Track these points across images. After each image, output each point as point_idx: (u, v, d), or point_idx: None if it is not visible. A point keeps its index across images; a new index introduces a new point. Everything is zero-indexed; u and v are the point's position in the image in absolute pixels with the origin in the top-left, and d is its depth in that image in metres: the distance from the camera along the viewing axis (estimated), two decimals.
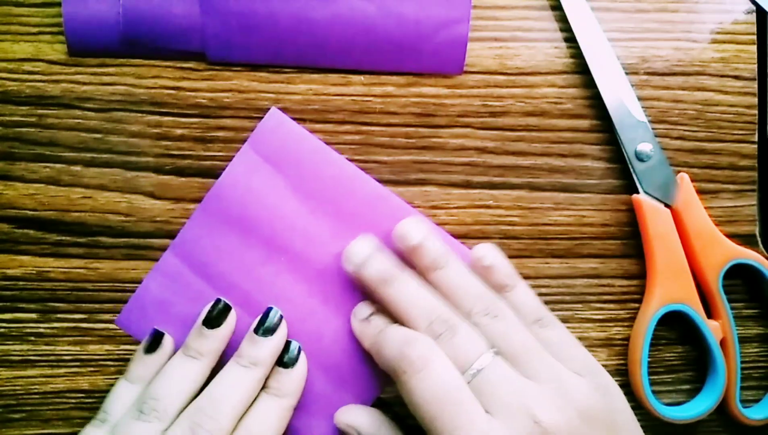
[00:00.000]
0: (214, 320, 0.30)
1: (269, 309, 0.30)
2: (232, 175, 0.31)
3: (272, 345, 0.29)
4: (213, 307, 0.30)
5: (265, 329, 0.30)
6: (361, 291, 0.31)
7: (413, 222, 0.30)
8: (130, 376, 0.29)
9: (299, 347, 0.30)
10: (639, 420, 0.34)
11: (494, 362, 0.26)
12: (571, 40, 0.32)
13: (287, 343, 0.30)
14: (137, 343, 0.31)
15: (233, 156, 0.32)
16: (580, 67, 0.33)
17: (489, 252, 0.30)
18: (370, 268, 0.29)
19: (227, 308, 0.30)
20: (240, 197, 0.31)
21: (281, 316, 0.30)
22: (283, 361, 0.30)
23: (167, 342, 0.30)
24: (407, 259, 0.30)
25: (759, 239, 0.34)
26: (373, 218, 0.31)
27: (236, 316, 0.30)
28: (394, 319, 0.29)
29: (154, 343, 0.30)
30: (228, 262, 0.31)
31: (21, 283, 0.32)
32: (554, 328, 0.29)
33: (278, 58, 0.31)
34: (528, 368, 0.27)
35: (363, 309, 0.30)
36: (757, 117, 0.34)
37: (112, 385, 0.31)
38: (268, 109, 0.32)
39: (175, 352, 0.30)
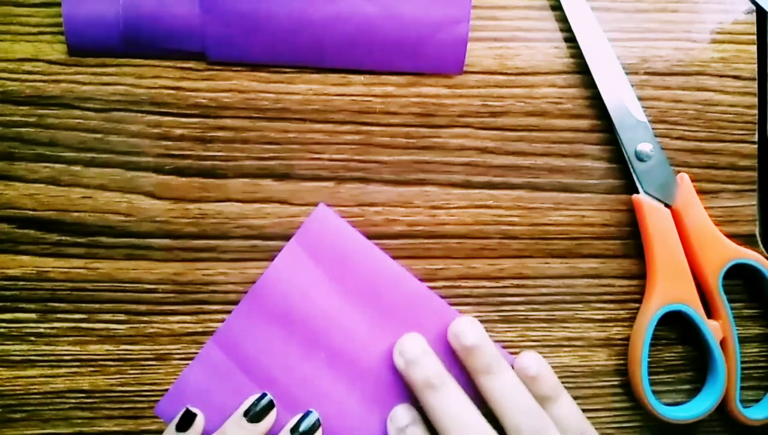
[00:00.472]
0: (256, 415, 0.30)
1: (308, 412, 0.31)
2: (277, 270, 0.31)
3: (262, 428, 0.30)
4: (258, 401, 0.30)
5: (301, 433, 0.30)
6: (398, 392, 0.31)
7: (469, 321, 0.31)
8: None
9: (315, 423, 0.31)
10: (639, 420, 0.34)
11: None
12: (571, 40, 0.32)
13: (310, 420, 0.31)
14: (137, 343, 0.32)
15: (233, 156, 0.32)
16: (580, 67, 0.33)
17: (534, 362, 0.31)
18: (419, 368, 0.30)
19: (271, 405, 0.31)
20: (284, 292, 0.31)
21: (318, 421, 0.31)
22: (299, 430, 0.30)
23: (199, 422, 0.30)
24: (459, 359, 0.30)
25: (759, 239, 0.34)
26: (415, 318, 0.31)
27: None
28: (432, 428, 0.29)
29: (186, 421, 0.30)
30: (269, 356, 0.31)
31: (21, 283, 0.32)
32: None
33: (278, 58, 0.31)
34: None
35: (401, 416, 0.30)
36: (757, 117, 0.34)
37: (112, 385, 0.31)
38: (317, 205, 0.32)
39: None
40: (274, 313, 0.31)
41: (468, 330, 0.30)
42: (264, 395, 0.31)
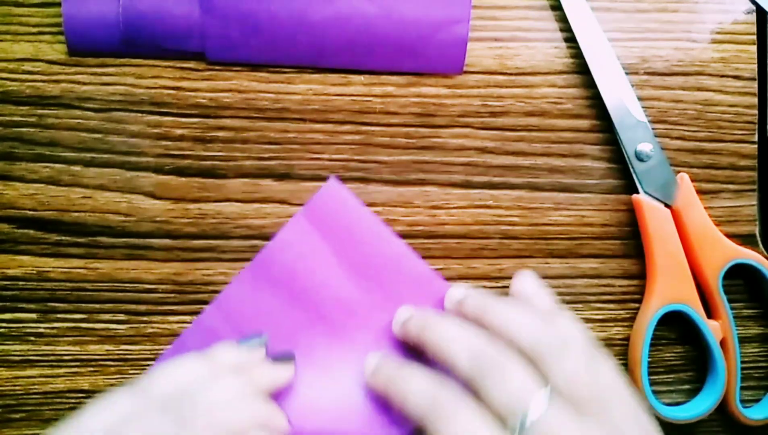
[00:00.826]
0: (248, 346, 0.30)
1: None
2: (283, 241, 0.32)
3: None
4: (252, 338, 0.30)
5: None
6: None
7: (455, 286, 0.31)
8: None
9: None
10: None
11: (550, 411, 0.24)
12: (571, 40, 0.32)
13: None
14: (137, 343, 0.32)
15: (233, 156, 0.32)
16: (580, 67, 0.33)
17: (527, 282, 0.30)
18: (413, 319, 0.29)
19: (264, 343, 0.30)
20: (287, 263, 0.31)
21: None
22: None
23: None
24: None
25: (759, 239, 0.34)
26: (417, 296, 0.31)
27: None
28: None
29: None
30: (268, 324, 0.31)
31: (21, 283, 0.32)
32: (608, 363, 0.26)
33: (278, 58, 0.31)
34: (587, 411, 0.24)
35: (371, 358, 0.30)
36: (757, 117, 0.34)
37: (112, 385, 0.31)
38: (327, 177, 0.32)
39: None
40: (276, 283, 0.31)
41: (454, 289, 0.30)
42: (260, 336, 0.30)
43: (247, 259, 0.32)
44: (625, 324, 0.34)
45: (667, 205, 0.32)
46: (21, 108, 0.31)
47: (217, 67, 0.32)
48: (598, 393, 0.25)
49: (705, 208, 0.33)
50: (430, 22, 0.31)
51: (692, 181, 0.33)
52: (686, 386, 0.34)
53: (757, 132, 0.34)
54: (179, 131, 0.32)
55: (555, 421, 0.23)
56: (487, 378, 0.25)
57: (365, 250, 0.31)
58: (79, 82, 0.31)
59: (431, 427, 0.25)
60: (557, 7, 0.32)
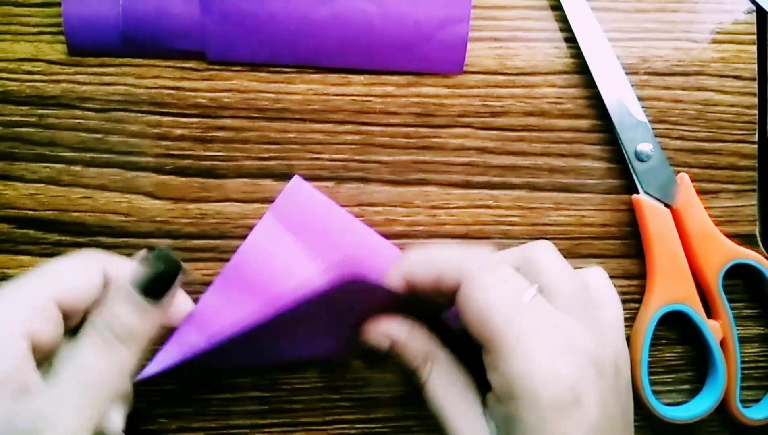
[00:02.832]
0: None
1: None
2: (253, 243, 0.31)
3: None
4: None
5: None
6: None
7: None
8: None
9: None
10: (639, 420, 0.34)
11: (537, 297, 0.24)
12: (571, 40, 0.32)
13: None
14: None
15: (233, 156, 0.32)
16: (580, 67, 0.33)
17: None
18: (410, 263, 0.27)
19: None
20: (260, 265, 0.31)
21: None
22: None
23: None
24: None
25: (759, 239, 0.34)
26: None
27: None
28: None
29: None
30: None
31: None
32: (599, 270, 0.28)
33: (278, 58, 0.31)
34: (575, 307, 0.25)
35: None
36: (757, 117, 0.34)
37: None
38: (291, 175, 0.32)
39: None
40: (250, 288, 0.31)
41: None
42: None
43: None
44: (625, 324, 0.34)
45: (667, 205, 0.32)
46: (21, 108, 0.31)
47: (217, 67, 0.32)
48: (584, 293, 0.25)
49: (705, 208, 0.33)
50: (430, 21, 0.31)
51: (692, 181, 0.33)
52: (686, 386, 0.34)
53: (757, 132, 0.34)
54: (179, 131, 0.32)
55: (537, 308, 0.24)
56: (485, 270, 0.25)
57: (337, 245, 0.31)
58: (79, 82, 0.31)
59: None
60: (557, 7, 0.32)
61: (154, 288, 0.25)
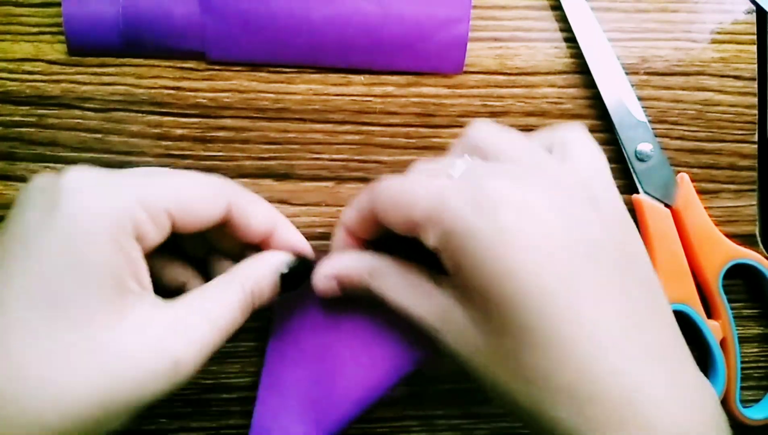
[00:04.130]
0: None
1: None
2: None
3: None
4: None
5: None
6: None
7: None
8: None
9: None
10: None
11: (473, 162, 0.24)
12: (571, 40, 0.32)
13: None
14: None
15: (233, 156, 0.32)
16: (580, 67, 0.33)
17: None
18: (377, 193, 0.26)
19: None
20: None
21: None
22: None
23: None
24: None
25: (759, 239, 0.34)
26: None
27: None
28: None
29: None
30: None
31: None
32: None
33: (278, 58, 0.31)
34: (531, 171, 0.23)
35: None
36: (757, 117, 0.34)
37: None
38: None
39: None
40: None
41: None
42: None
43: None
44: None
45: (667, 205, 0.32)
46: (21, 108, 0.31)
47: (217, 67, 0.32)
48: (545, 157, 0.24)
49: (705, 208, 0.33)
50: (430, 21, 0.31)
51: (692, 181, 0.33)
52: None
53: (757, 132, 0.34)
54: (179, 131, 0.32)
55: (491, 171, 0.23)
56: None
57: None
58: (79, 82, 0.31)
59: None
60: (557, 7, 0.32)
61: (291, 284, 0.27)
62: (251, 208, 0.26)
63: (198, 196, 0.25)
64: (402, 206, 0.24)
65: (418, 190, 0.23)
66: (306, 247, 0.28)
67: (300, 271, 0.27)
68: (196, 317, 0.23)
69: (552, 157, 0.25)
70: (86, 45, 0.31)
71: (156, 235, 0.23)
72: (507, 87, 0.33)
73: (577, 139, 0.25)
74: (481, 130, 0.25)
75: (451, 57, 0.32)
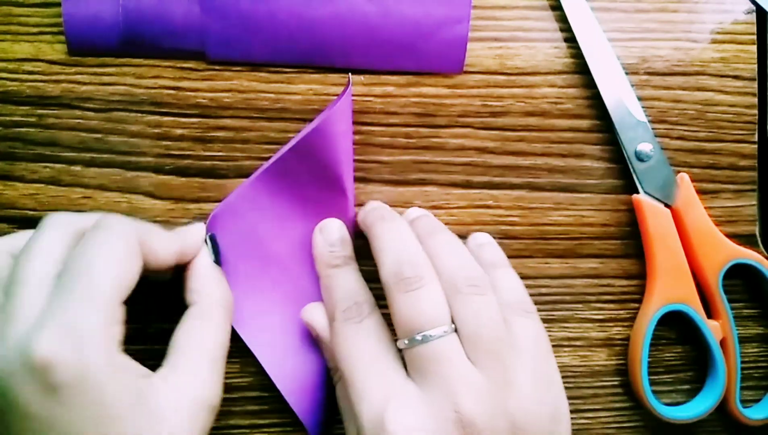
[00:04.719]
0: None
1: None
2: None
3: None
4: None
5: None
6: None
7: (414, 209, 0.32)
8: None
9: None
10: (639, 420, 0.34)
11: (447, 338, 0.25)
12: (571, 40, 0.32)
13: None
14: (137, 343, 0.32)
15: (233, 156, 0.32)
16: (580, 67, 0.33)
17: (486, 236, 0.32)
18: (375, 211, 0.30)
19: None
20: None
21: None
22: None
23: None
24: None
25: (759, 239, 0.34)
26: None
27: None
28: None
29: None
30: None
31: None
32: (533, 322, 0.27)
33: (278, 57, 0.31)
34: (482, 357, 0.25)
35: (332, 228, 0.31)
36: (757, 117, 0.34)
37: None
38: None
39: None
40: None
41: (412, 208, 0.32)
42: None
43: None
44: (625, 324, 0.34)
45: (667, 205, 0.32)
46: (21, 108, 0.31)
47: (217, 67, 0.32)
48: (501, 339, 0.25)
49: (705, 208, 0.33)
50: (430, 21, 0.31)
51: (692, 181, 0.33)
52: (686, 386, 0.34)
53: (757, 132, 0.34)
54: (179, 131, 0.32)
55: (447, 348, 0.25)
56: (402, 286, 0.26)
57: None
58: (79, 82, 0.31)
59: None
60: (557, 7, 0.32)
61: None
62: (155, 242, 0.27)
63: (129, 268, 0.26)
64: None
65: (368, 389, 0.26)
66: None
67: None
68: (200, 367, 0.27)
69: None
70: (86, 44, 0.31)
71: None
72: (507, 87, 0.33)
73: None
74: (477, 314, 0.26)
75: (451, 57, 0.32)
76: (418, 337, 0.25)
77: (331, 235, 0.30)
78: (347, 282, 0.29)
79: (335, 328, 0.28)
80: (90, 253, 0.24)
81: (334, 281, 0.29)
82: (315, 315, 0.30)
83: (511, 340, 0.26)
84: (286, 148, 0.31)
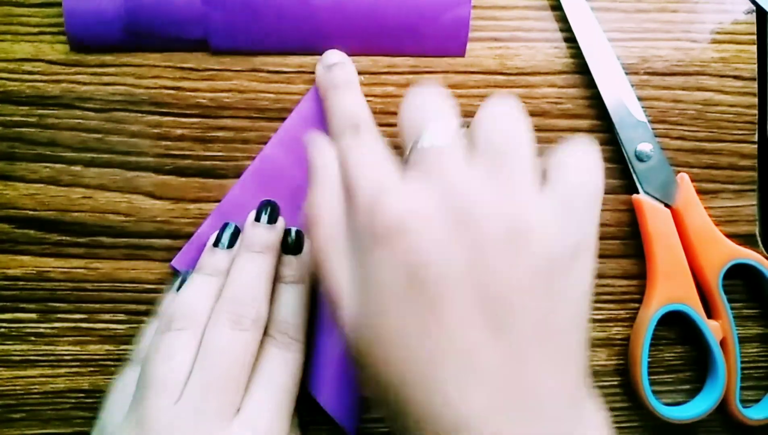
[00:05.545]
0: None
1: (268, 200, 0.30)
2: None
3: (279, 229, 0.30)
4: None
5: (269, 216, 0.30)
6: None
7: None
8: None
9: (299, 231, 0.31)
10: (639, 420, 0.34)
11: (450, 141, 0.23)
12: (571, 40, 0.32)
13: (286, 231, 0.31)
14: (137, 343, 0.32)
15: (233, 156, 0.32)
16: (580, 67, 0.33)
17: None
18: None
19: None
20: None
21: (278, 207, 0.30)
22: (290, 247, 0.30)
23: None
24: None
25: (759, 239, 0.34)
26: None
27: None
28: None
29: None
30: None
31: (21, 283, 0.32)
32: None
33: (281, 45, 0.31)
34: (486, 162, 0.23)
35: (331, 55, 0.31)
36: (757, 117, 0.34)
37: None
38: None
39: None
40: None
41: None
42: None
43: None
44: (625, 324, 0.34)
45: (667, 205, 0.32)
46: (21, 108, 0.31)
47: (217, 67, 0.32)
48: (507, 141, 0.23)
49: (705, 208, 0.33)
50: (432, 5, 0.31)
51: (692, 181, 0.33)
52: (686, 386, 0.34)
53: (757, 132, 0.34)
54: (179, 131, 0.32)
55: (447, 151, 0.23)
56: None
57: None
58: (79, 82, 0.31)
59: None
60: (557, 7, 0.32)
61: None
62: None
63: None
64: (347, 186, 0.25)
65: (361, 178, 0.24)
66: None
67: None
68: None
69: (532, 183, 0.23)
70: (87, 38, 0.31)
71: None
72: (507, 87, 0.33)
73: (572, 164, 0.25)
74: (492, 120, 0.24)
75: (454, 40, 0.32)
76: (417, 147, 0.23)
77: (329, 58, 0.31)
78: (346, 102, 0.29)
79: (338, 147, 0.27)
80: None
81: (333, 102, 0.29)
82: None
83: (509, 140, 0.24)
84: (269, 144, 0.31)
